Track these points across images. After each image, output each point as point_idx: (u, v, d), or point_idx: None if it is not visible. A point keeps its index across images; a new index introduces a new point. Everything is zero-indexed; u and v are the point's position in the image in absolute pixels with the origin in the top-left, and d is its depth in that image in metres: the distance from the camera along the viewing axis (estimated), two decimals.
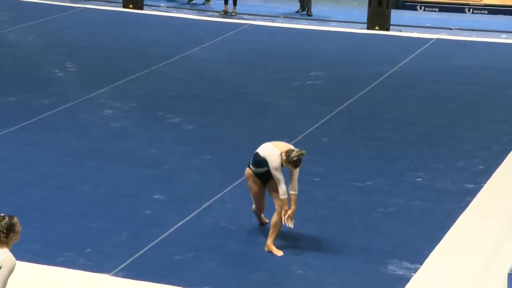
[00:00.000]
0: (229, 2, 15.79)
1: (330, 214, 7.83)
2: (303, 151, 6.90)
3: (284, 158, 6.88)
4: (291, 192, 6.97)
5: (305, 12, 16.16)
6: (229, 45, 13.74)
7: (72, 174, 8.62)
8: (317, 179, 8.58)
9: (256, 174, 7.11)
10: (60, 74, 12.04)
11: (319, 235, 7.36)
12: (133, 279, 6.63)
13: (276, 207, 7.05)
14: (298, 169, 6.94)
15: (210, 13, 16.01)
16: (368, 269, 6.81)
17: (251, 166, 7.14)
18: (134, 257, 6.95)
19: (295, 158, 6.84)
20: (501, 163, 9.00)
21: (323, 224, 7.58)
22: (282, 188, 6.91)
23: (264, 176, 7.08)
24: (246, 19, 15.52)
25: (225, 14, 15.73)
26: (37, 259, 6.86)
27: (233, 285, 6.59)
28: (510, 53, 13.42)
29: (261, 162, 7.03)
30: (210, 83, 11.80)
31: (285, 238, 7.21)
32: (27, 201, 7.97)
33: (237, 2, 15.93)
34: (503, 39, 14.32)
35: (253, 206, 7.44)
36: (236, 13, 15.68)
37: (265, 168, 7.02)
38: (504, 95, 11.35)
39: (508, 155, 9.23)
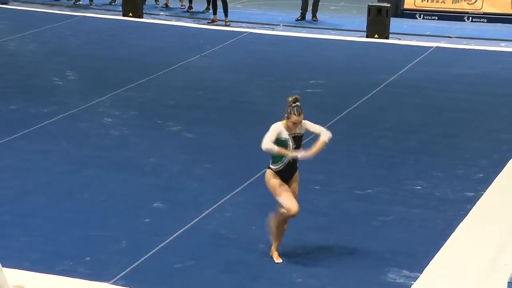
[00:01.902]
0: (218, 11, 15.81)
1: (330, 222, 7.82)
2: (296, 96, 6.72)
3: (285, 116, 6.67)
4: (321, 139, 6.75)
5: (304, 21, 16.20)
6: (228, 53, 13.76)
7: (72, 182, 8.62)
8: (317, 187, 8.58)
9: (277, 173, 6.77)
10: (60, 83, 12.06)
11: (319, 243, 7.36)
12: (132, 287, 6.62)
13: (280, 209, 6.81)
14: (306, 121, 6.71)
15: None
16: (368, 277, 6.81)
17: (270, 165, 6.83)
18: (133, 265, 6.94)
19: (292, 104, 6.62)
20: (500, 171, 9.00)
21: (323, 232, 7.58)
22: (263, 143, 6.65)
23: (287, 174, 6.76)
24: (245, 27, 15.55)
25: (212, 22, 15.77)
26: (37, 267, 6.85)
27: None
28: (509, 61, 13.44)
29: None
30: (209, 91, 11.81)
31: (285, 246, 7.20)
32: (28, 209, 7.97)
33: (237, 10, 15.95)
34: (502, 47, 14.34)
35: (279, 212, 6.76)
36: (230, 22, 15.68)
37: (283, 159, 6.70)
38: (504, 103, 11.37)
39: (508, 163, 9.23)
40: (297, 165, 6.85)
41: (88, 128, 10.26)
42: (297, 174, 6.88)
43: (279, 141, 6.72)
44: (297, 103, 6.70)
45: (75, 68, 12.70)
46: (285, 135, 6.73)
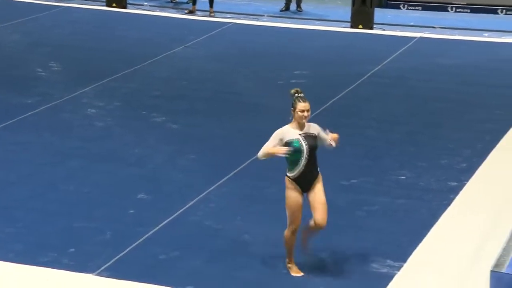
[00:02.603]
0: (203, 2, 15.76)
1: None
2: (296, 88, 6.45)
3: (292, 111, 6.34)
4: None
5: (288, 11, 16.20)
6: (213, 44, 13.73)
7: (56, 173, 8.59)
8: None
9: (294, 180, 6.38)
10: (43, 73, 11.99)
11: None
12: (117, 278, 6.61)
13: (316, 215, 6.42)
14: (319, 127, 6.42)
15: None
16: (352, 267, 6.83)
17: (287, 173, 6.41)
18: (118, 256, 6.93)
19: (295, 95, 6.32)
20: (483, 161, 9.05)
21: (308, 223, 7.58)
22: (262, 150, 6.37)
23: (306, 180, 6.40)
24: (230, 18, 15.52)
25: (190, 13, 15.73)
26: (20, 259, 6.83)
27: (218, 284, 6.59)
28: (492, 51, 13.50)
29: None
30: (194, 82, 11.79)
31: (270, 237, 7.21)
32: (11, 201, 7.94)
33: (222, 1, 15.93)
34: (486, 38, 14.40)
35: (286, 232, 6.53)
36: (214, 13, 15.64)
37: (298, 165, 6.30)
38: (487, 93, 11.42)
39: (491, 153, 9.28)
40: (317, 170, 6.45)
41: (72, 119, 10.22)
42: (318, 179, 6.44)
43: (288, 144, 6.32)
44: (301, 94, 6.39)
45: (58, 58, 12.63)
46: (293, 135, 6.32)
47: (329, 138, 6.47)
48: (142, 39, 13.85)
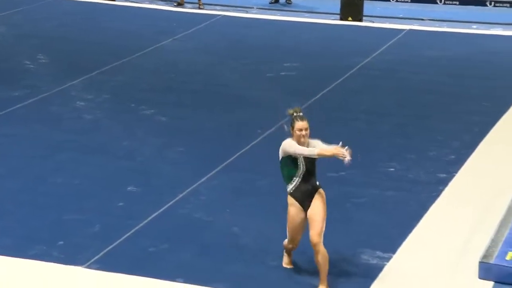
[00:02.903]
0: None
1: None
2: (295, 108, 6.30)
3: (291, 129, 6.25)
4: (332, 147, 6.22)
5: (278, 3, 16.19)
6: (202, 36, 13.71)
7: (45, 166, 8.57)
8: None
9: (293, 193, 6.32)
10: (32, 66, 11.95)
11: None
12: (106, 271, 6.61)
13: (311, 234, 6.28)
14: (318, 141, 6.32)
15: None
16: (342, 259, 6.84)
17: (287, 188, 6.35)
18: (107, 249, 6.92)
19: (294, 114, 6.22)
20: (472, 152, 9.09)
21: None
22: (308, 150, 6.18)
23: (305, 191, 6.32)
24: (219, 10, 15.50)
25: (178, 5, 15.70)
26: (9, 252, 6.81)
27: (207, 277, 6.59)
28: (481, 43, 13.53)
29: (282, 164, 6.33)
30: (183, 74, 11.77)
31: (259, 230, 7.22)
32: (0, 194, 7.90)
33: None
34: (474, 30, 14.44)
35: (285, 241, 6.61)
36: (203, 5, 15.61)
37: (296, 180, 6.31)
38: (476, 85, 11.45)
39: (479, 144, 9.32)
40: (317, 183, 6.37)
41: (61, 112, 10.19)
42: (319, 194, 6.33)
43: (289, 158, 6.29)
44: (300, 113, 6.30)
45: (47, 51, 12.59)
46: None
47: (346, 158, 6.26)
48: (130, 32, 13.82)
